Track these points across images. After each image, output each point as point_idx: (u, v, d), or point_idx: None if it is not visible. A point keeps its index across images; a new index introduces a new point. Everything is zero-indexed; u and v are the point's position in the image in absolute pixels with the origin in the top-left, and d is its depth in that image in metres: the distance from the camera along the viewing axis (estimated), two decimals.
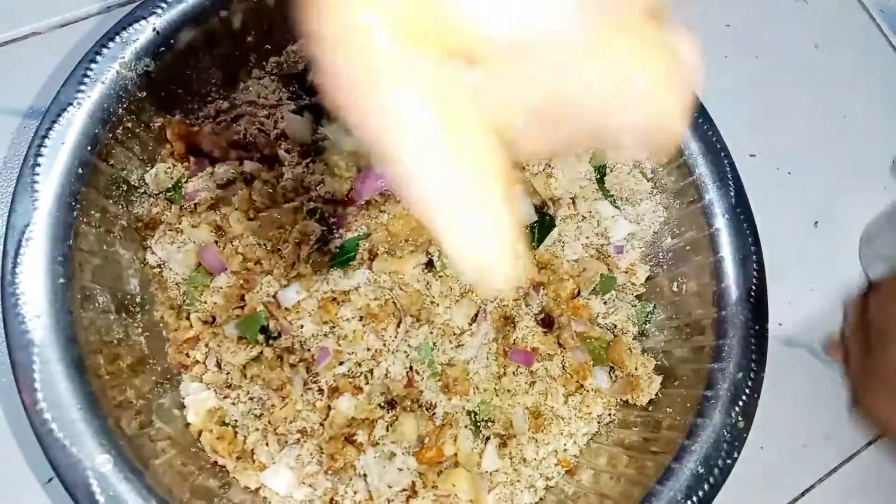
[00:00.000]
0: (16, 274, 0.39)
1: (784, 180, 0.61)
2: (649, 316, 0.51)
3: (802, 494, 0.54)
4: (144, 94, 0.45)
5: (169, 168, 0.48)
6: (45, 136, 0.41)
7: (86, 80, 0.43)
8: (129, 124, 0.45)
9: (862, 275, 0.61)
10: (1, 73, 0.52)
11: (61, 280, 0.40)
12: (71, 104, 0.42)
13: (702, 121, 0.49)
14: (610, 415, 0.49)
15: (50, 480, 0.45)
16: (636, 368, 0.48)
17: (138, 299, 0.46)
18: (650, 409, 0.48)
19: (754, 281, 0.47)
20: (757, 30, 0.64)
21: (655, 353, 0.50)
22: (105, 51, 0.43)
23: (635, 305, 0.51)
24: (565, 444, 0.48)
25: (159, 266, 0.47)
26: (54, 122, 0.42)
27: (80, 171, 0.42)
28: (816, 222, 0.61)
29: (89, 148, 0.42)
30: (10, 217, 0.40)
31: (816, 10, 0.64)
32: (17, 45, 0.53)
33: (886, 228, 0.59)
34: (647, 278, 0.52)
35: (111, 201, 0.45)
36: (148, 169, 0.48)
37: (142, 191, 0.47)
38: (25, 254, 0.40)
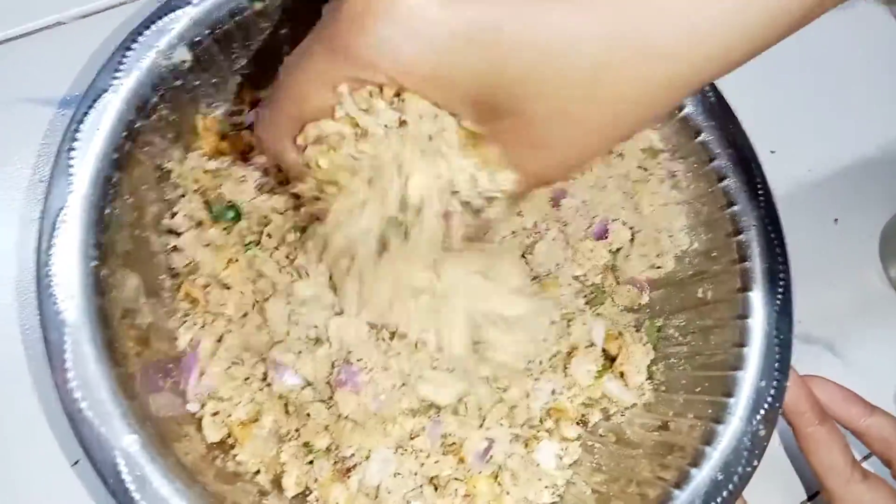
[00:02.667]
0: (50, 256, 0.40)
1: (804, 177, 0.62)
2: (661, 330, 0.51)
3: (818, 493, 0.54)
4: (180, 83, 0.46)
5: (202, 159, 0.49)
6: (80, 122, 0.42)
7: (122, 67, 0.43)
8: (165, 112, 0.45)
9: (881, 272, 0.61)
10: (33, 63, 0.53)
11: (94, 263, 0.41)
12: (107, 90, 0.43)
13: (732, 127, 0.49)
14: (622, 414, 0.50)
15: (76, 463, 0.46)
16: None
17: (168, 283, 0.47)
18: (671, 415, 0.48)
19: (780, 291, 0.47)
20: None
21: (678, 358, 0.50)
22: (141, 39, 0.44)
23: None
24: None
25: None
26: (90, 107, 0.42)
27: (114, 156, 0.42)
28: (836, 219, 0.61)
29: (125, 134, 0.43)
30: (46, 200, 0.41)
31: (841, 9, 0.64)
32: (45, 34, 0.53)
33: None
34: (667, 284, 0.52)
35: (145, 187, 0.45)
36: (183, 158, 0.48)
37: (175, 179, 0.48)
38: (59, 236, 0.40)
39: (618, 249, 0.53)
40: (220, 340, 0.46)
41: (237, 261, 0.47)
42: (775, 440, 0.54)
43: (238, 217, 0.47)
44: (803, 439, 0.48)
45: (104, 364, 0.39)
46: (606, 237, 0.52)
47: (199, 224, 0.47)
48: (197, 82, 0.47)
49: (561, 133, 0.32)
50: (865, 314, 0.58)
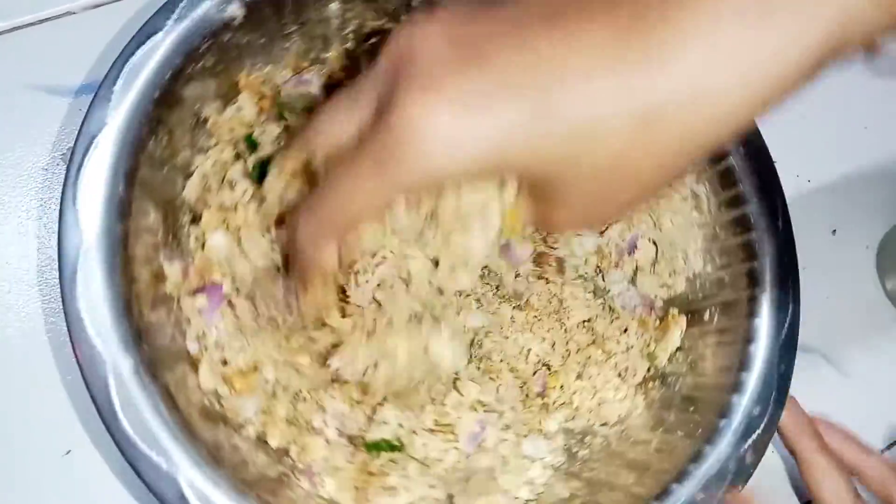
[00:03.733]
0: (79, 175, 0.41)
1: (803, 187, 0.63)
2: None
3: None
4: (229, 37, 0.47)
5: (240, 113, 0.50)
6: (131, 54, 0.44)
7: (176, 11, 0.45)
8: (210, 62, 0.47)
9: (878, 284, 0.62)
10: (44, 53, 0.54)
11: (120, 188, 0.42)
12: (159, 31, 0.44)
13: (760, 155, 0.49)
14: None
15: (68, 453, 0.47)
16: None
17: (187, 229, 0.48)
18: (661, 431, 0.48)
19: (788, 323, 0.47)
20: None
21: (675, 376, 0.50)
22: None
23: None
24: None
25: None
26: (141, 44, 0.44)
27: (156, 93, 0.44)
28: (835, 230, 0.62)
29: (169, 74, 0.44)
30: (83, 122, 0.42)
31: None
32: (54, 24, 0.54)
33: None
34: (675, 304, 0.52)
35: (180, 130, 0.47)
36: (221, 110, 0.49)
37: (210, 128, 0.49)
38: (91, 158, 0.42)
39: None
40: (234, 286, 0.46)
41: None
42: (773, 460, 0.54)
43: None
44: (806, 466, 0.48)
45: (112, 286, 0.40)
46: (634, 252, 0.52)
47: (225, 175, 0.49)
48: (245, 40, 0.48)
49: (588, 200, 0.33)
50: (862, 325, 0.58)
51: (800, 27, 0.27)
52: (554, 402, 0.48)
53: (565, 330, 0.49)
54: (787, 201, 0.48)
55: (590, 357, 0.49)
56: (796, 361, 0.47)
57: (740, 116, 0.29)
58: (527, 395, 0.48)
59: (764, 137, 0.50)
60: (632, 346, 0.50)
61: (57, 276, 0.47)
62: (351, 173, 0.34)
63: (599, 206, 0.33)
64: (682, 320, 0.50)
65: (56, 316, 0.49)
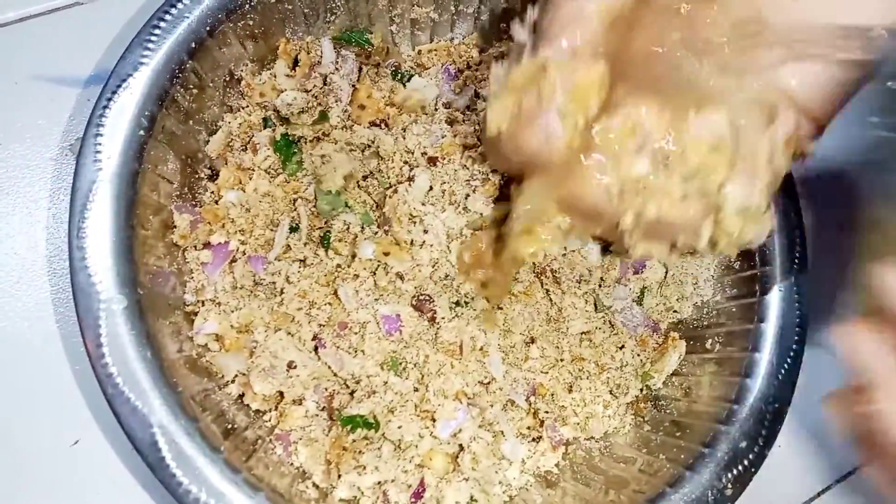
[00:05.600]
0: (105, 112, 0.42)
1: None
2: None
3: (819, 495, 0.54)
4: (273, 0, 0.48)
5: (272, 78, 0.51)
6: (172, 6, 0.44)
7: None
8: (252, 23, 0.47)
9: None
10: (52, 43, 0.54)
11: (142, 131, 0.42)
12: None
13: (785, 189, 0.48)
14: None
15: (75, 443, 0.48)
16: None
17: (204, 183, 0.48)
18: (644, 452, 0.47)
19: (788, 359, 0.46)
20: None
21: (668, 400, 0.49)
22: None
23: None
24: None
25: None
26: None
27: (192, 45, 0.45)
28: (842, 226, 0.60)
29: (207, 28, 0.45)
30: (117, 65, 0.43)
31: None
32: (62, 14, 0.54)
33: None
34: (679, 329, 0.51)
35: (212, 85, 0.47)
36: (256, 72, 0.50)
37: (243, 88, 0.50)
38: (118, 99, 0.42)
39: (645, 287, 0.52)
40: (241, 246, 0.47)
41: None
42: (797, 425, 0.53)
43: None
44: None
45: (118, 224, 0.41)
46: (642, 272, 0.51)
47: (251, 138, 0.49)
48: (290, 7, 0.49)
49: None
50: None
51: None
52: (541, 410, 0.47)
53: (561, 339, 0.48)
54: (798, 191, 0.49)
55: (582, 369, 0.48)
56: (812, 361, 0.46)
57: None
58: (512, 402, 0.48)
59: None
60: (626, 364, 0.49)
61: (67, 266, 0.47)
62: None
63: None
64: (682, 345, 0.49)
65: (65, 306, 0.49)
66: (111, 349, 0.39)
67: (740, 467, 0.43)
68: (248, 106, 0.50)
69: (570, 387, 0.48)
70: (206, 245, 0.47)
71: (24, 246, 0.50)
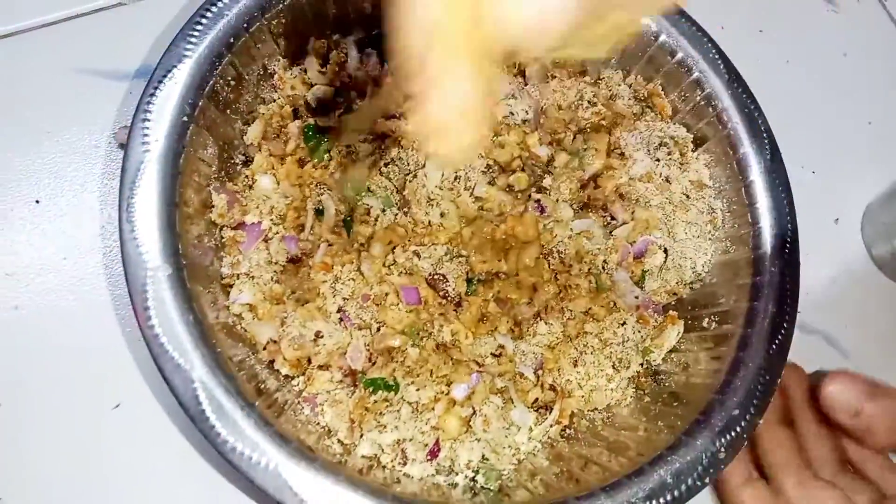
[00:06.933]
0: (151, 100, 0.46)
1: (807, 179, 0.68)
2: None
3: None
4: (304, 0, 0.52)
5: (303, 73, 0.55)
6: (213, 4, 0.48)
7: None
8: (284, 21, 0.51)
9: (865, 253, 0.67)
10: (97, 40, 0.58)
11: (185, 118, 0.46)
12: None
13: (777, 181, 0.52)
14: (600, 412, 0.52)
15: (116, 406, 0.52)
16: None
17: (239, 168, 0.52)
18: (644, 421, 0.50)
19: (780, 338, 0.49)
20: (789, 36, 0.73)
21: (667, 374, 0.52)
22: None
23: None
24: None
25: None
26: None
27: (230, 39, 0.49)
28: (837, 219, 0.67)
29: (245, 25, 0.49)
30: (162, 57, 0.47)
31: (847, 20, 0.74)
32: (106, 14, 0.59)
33: (887, 205, 0.65)
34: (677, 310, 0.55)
35: (247, 77, 0.51)
36: (288, 67, 0.54)
37: (276, 82, 0.54)
38: (163, 88, 0.47)
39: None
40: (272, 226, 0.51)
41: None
42: None
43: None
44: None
45: (164, 200, 0.45)
46: (643, 257, 0.55)
47: (283, 127, 0.53)
48: (320, 8, 0.53)
49: None
50: (857, 301, 0.61)
51: None
52: (548, 382, 0.51)
53: (567, 316, 0.52)
54: (793, 192, 0.52)
55: (587, 345, 0.51)
56: (800, 344, 0.50)
57: None
58: (522, 374, 0.51)
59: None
60: (628, 340, 0.52)
61: (111, 244, 0.53)
62: None
63: None
64: (680, 324, 0.53)
65: (118, 279, 0.53)
66: (157, 312, 0.43)
67: (733, 433, 0.46)
68: (279, 98, 0.54)
69: (576, 361, 0.52)
70: (241, 224, 0.51)
71: (71, 225, 0.54)
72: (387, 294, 0.49)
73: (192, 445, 0.51)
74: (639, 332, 0.53)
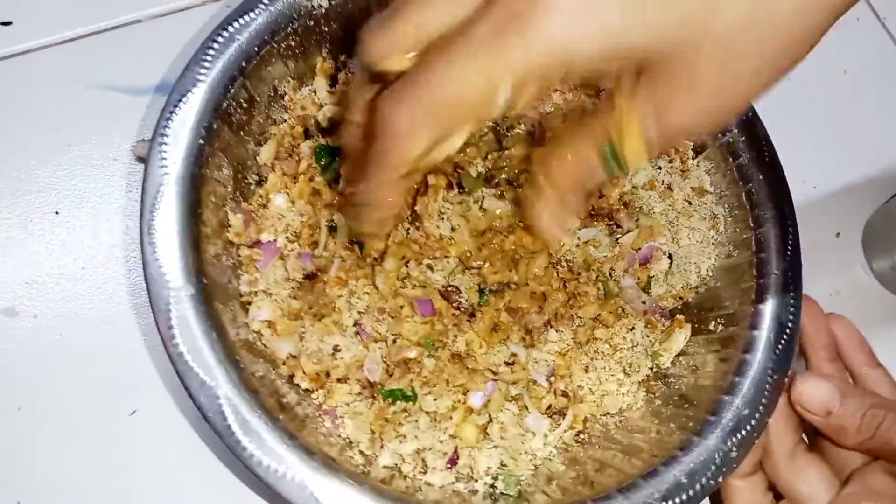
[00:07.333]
0: (168, 122, 0.47)
1: (809, 193, 0.69)
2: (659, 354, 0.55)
3: None
4: (312, 24, 0.53)
5: (312, 94, 0.56)
6: (228, 25, 0.50)
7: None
8: (293, 43, 0.53)
9: (865, 267, 0.68)
10: (114, 57, 0.60)
11: (200, 140, 0.48)
12: (253, 10, 0.51)
13: (778, 183, 0.54)
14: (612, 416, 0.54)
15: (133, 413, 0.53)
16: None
17: (252, 188, 0.53)
18: (656, 423, 0.51)
19: (784, 338, 0.50)
20: None
21: (676, 377, 0.53)
22: None
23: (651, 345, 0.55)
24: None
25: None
26: (238, 16, 0.50)
27: (242, 63, 0.50)
28: (838, 233, 0.68)
29: (256, 48, 0.50)
30: (179, 79, 0.48)
31: (846, 38, 0.75)
32: (124, 31, 0.61)
33: (887, 219, 0.66)
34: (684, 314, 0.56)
35: (259, 98, 0.53)
36: (297, 87, 0.55)
37: (286, 102, 0.55)
38: (179, 112, 0.48)
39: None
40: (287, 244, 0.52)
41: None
42: None
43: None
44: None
45: (184, 221, 0.46)
46: (648, 263, 0.56)
47: (295, 147, 0.54)
48: (326, 29, 0.55)
49: (710, 74, 0.33)
50: (860, 316, 0.61)
51: None
52: (561, 389, 0.52)
53: (577, 323, 0.53)
54: (795, 206, 0.54)
55: (597, 350, 0.53)
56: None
57: None
58: (535, 381, 0.53)
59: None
60: (637, 344, 0.54)
61: (127, 255, 0.55)
62: (462, 49, 0.31)
63: (725, 84, 0.33)
64: (687, 328, 0.54)
65: (136, 288, 0.55)
66: (181, 331, 0.44)
67: (743, 432, 0.48)
68: (290, 118, 0.55)
69: (587, 367, 0.53)
70: (257, 243, 0.52)
71: (90, 235, 0.56)
72: (402, 307, 0.51)
73: (211, 450, 0.52)
74: (647, 336, 0.54)
